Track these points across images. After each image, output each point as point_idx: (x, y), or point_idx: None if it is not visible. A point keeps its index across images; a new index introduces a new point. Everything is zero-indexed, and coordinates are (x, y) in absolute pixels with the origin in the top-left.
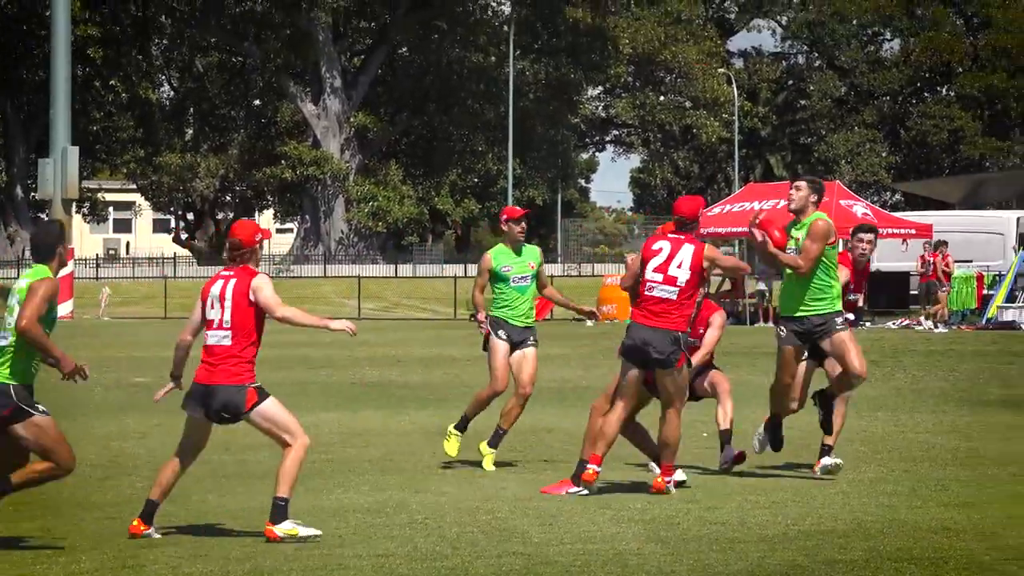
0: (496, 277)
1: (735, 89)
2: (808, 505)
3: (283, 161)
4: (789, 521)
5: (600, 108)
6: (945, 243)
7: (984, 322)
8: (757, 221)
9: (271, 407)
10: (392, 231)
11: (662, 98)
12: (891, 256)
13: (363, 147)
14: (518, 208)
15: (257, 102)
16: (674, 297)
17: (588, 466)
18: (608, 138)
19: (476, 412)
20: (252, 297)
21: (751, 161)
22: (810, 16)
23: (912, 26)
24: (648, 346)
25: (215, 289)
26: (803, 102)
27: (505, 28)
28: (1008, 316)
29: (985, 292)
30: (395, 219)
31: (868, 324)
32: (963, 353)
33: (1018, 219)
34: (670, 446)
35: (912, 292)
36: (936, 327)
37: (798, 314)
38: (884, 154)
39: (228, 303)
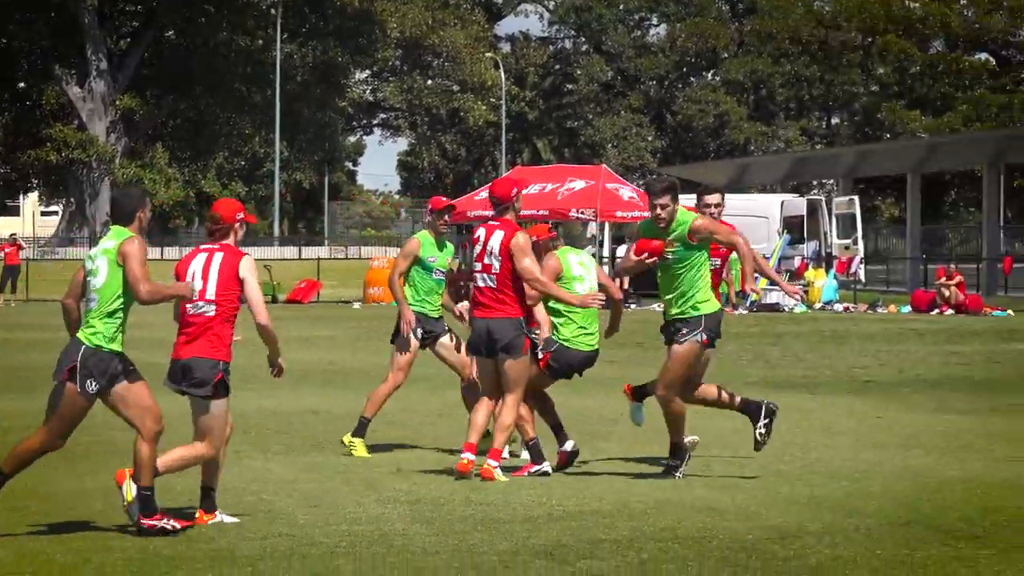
0: (421, 265)
1: (502, 73)
2: (573, 486)
3: (48, 144)
4: (554, 501)
5: (367, 92)
6: None
7: (748, 304)
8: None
9: (220, 406)
10: (158, 214)
11: (429, 82)
12: None
13: (129, 130)
14: (442, 199)
15: (22, 84)
16: (493, 284)
17: (462, 455)
18: (375, 121)
19: (376, 411)
20: (242, 275)
21: (518, 145)
22: (577, 1)
23: (678, 11)
24: (491, 335)
25: (195, 264)
26: (570, 86)
27: (272, 11)
28: (771, 299)
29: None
30: (161, 202)
31: (634, 306)
32: (726, 335)
33: (782, 203)
34: (503, 432)
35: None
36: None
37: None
38: (650, 138)
39: (213, 276)
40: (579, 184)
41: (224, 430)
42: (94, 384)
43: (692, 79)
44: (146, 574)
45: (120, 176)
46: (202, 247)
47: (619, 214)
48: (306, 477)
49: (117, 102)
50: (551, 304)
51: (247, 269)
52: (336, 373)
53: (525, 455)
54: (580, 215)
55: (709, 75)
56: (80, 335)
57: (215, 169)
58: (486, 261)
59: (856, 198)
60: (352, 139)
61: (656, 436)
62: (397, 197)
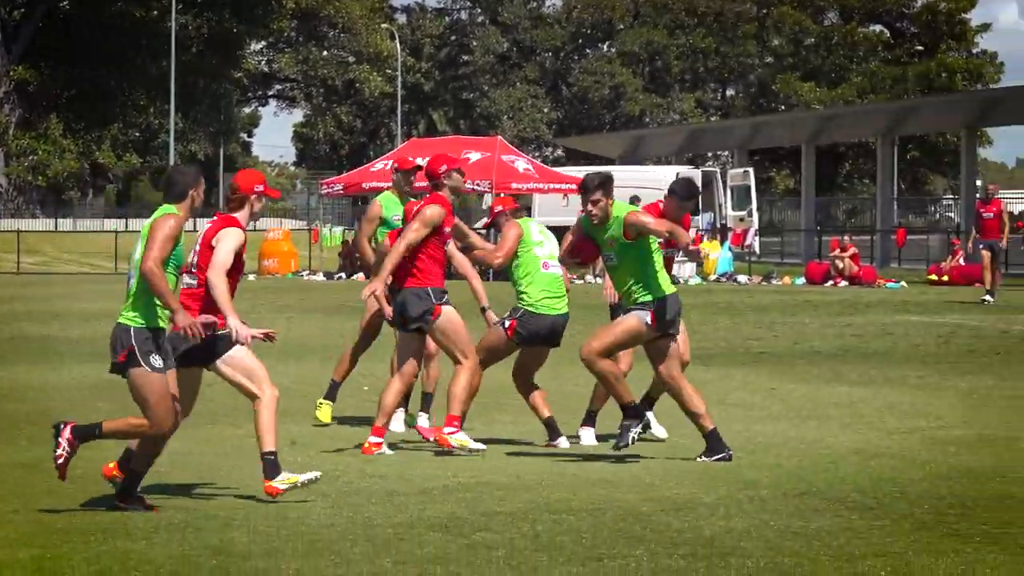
0: (387, 226)
1: (398, 44)
2: (468, 458)
3: None
4: (450, 473)
5: (263, 63)
6: None
7: None
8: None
9: (239, 354)
10: (52, 185)
11: (325, 53)
12: (553, 211)
13: (23, 100)
14: (409, 159)
15: None
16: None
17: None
18: (271, 93)
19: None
20: (214, 244)
21: (414, 116)
22: None
23: None
24: (403, 308)
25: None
26: (466, 58)
27: None
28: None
29: None
30: (55, 173)
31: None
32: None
33: (677, 174)
34: (455, 398)
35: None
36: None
37: None
38: (546, 110)
39: (197, 246)
40: (475, 156)
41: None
42: (158, 359)
43: (588, 50)
44: (40, 546)
45: (13, 147)
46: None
47: (515, 186)
48: (200, 450)
49: (11, 72)
50: (515, 273)
51: (225, 231)
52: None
53: (423, 420)
54: (476, 187)
55: (605, 46)
56: (121, 319)
57: (110, 140)
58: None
59: (751, 170)
60: (247, 110)
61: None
62: (293, 168)
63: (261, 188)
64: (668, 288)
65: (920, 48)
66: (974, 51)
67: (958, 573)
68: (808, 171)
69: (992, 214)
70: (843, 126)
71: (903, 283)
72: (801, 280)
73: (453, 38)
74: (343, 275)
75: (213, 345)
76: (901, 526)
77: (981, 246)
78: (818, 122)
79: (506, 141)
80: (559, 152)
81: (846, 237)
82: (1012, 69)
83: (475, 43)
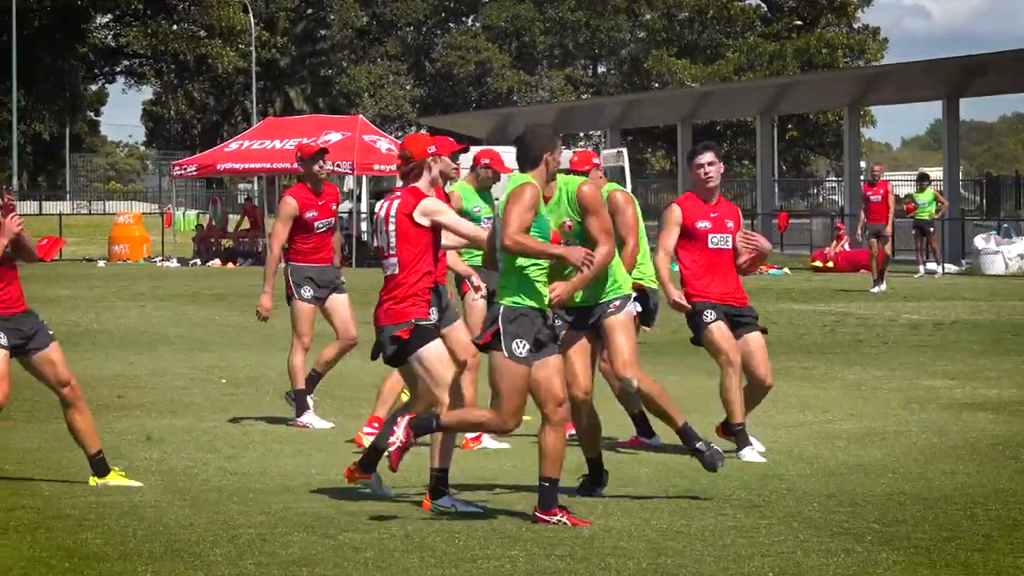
0: (468, 217)
1: (251, 17)
2: (333, 454)
3: None
4: (314, 470)
5: (110, 37)
6: None
7: None
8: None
9: (431, 350)
10: None
11: (175, 27)
12: None
13: None
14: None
15: None
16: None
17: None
18: (119, 69)
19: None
20: (421, 220)
21: (270, 94)
22: None
23: None
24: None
25: (381, 212)
26: (323, 32)
27: None
28: None
29: None
30: None
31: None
32: None
33: None
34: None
35: None
36: None
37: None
38: (409, 87)
39: (392, 227)
40: (335, 136)
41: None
42: (524, 345)
43: (451, 25)
44: None
45: None
46: (389, 194)
47: (377, 167)
48: (51, 446)
49: None
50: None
51: (429, 209)
52: (82, 335)
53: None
54: (336, 168)
55: (469, 20)
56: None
57: None
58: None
59: (624, 150)
60: (94, 87)
61: None
62: (143, 148)
63: (434, 149)
64: (629, 284)
65: (799, 23)
66: (855, 26)
67: (848, 574)
68: (684, 151)
69: (879, 196)
70: (720, 104)
71: (786, 269)
72: (678, 267)
73: (309, 11)
74: (198, 261)
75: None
76: (789, 525)
77: (868, 232)
78: (694, 100)
79: (367, 120)
80: (423, 131)
81: None
82: (896, 44)
83: (332, 17)
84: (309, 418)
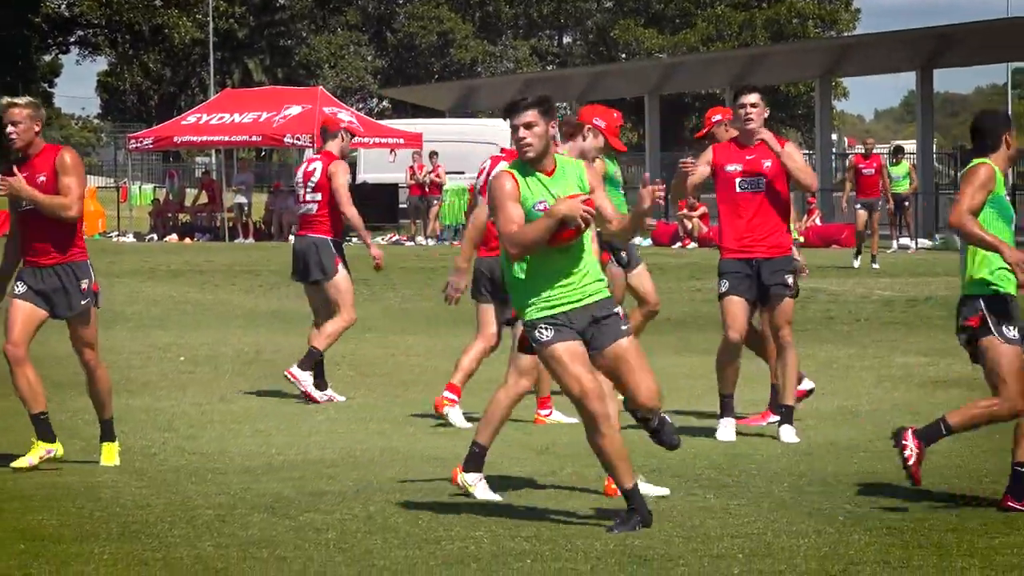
0: (611, 184)
1: None
2: (294, 434)
3: None
4: (274, 451)
5: (63, 6)
6: (436, 153)
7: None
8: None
9: None
10: None
11: None
12: (379, 167)
13: None
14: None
15: None
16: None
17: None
18: (72, 39)
19: None
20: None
21: (228, 65)
22: None
23: None
24: None
25: None
26: (282, 2)
27: None
28: None
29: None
30: None
31: (356, 240)
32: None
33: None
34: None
35: (402, 206)
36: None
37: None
38: (370, 58)
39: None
40: (295, 109)
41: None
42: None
43: None
44: None
45: None
46: None
47: None
48: None
49: None
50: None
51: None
52: None
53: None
54: (296, 141)
55: None
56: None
57: None
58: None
59: None
60: (47, 58)
61: (371, 380)
62: (98, 122)
63: (601, 123)
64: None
65: None
66: None
67: (820, 555)
68: (652, 124)
69: (873, 170)
70: (689, 76)
71: None
72: (647, 241)
73: None
74: (154, 236)
75: None
76: (759, 505)
77: (858, 206)
78: (662, 71)
79: (328, 92)
80: (385, 104)
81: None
82: (868, 14)
83: None
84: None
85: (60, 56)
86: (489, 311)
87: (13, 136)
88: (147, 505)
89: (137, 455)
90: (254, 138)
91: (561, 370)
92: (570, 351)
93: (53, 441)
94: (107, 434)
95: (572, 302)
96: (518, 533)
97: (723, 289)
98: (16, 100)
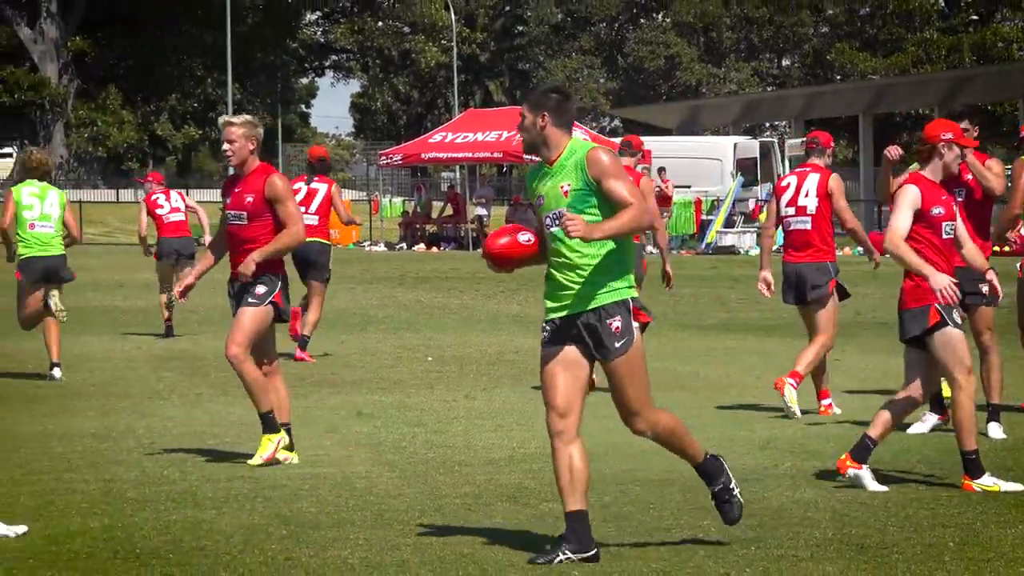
0: None
1: (452, 15)
2: (533, 429)
3: (1, 85)
4: (515, 444)
5: (319, 33)
6: (664, 169)
7: (703, 246)
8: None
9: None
10: (112, 156)
11: (380, 24)
12: None
13: (81, 71)
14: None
15: None
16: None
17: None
18: (327, 63)
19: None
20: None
21: (470, 87)
22: None
23: None
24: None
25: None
26: (520, 28)
27: None
28: (727, 241)
29: (704, 217)
30: (115, 144)
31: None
32: (683, 277)
33: (735, 145)
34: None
35: None
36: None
37: None
38: (602, 80)
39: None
40: None
41: None
42: None
43: (642, 20)
44: (110, 515)
45: (73, 118)
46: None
47: None
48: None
49: (68, 44)
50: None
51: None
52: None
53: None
54: (534, 158)
55: (659, 16)
56: None
57: (168, 111)
58: (799, 203)
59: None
60: (304, 81)
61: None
62: (350, 139)
63: (950, 136)
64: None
65: (975, 17)
66: None
67: None
68: (866, 141)
69: None
70: (900, 96)
71: None
72: (861, 251)
73: (507, 8)
74: (404, 246)
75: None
76: (968, 496)
77: None
78: (875, 92)
79: None
80: (616, 122)
81: None
82: None
83: (529, 13)
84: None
85: (316, 79)
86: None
87: (229, 153)
88: (399, 494)
89: (389, 448)
90: (495, 155)
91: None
92: (546, 358)
93: (277, 432)
94: (266, 427)
95: (560, 308)
96: (743, 522)
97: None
98: (233, 119)
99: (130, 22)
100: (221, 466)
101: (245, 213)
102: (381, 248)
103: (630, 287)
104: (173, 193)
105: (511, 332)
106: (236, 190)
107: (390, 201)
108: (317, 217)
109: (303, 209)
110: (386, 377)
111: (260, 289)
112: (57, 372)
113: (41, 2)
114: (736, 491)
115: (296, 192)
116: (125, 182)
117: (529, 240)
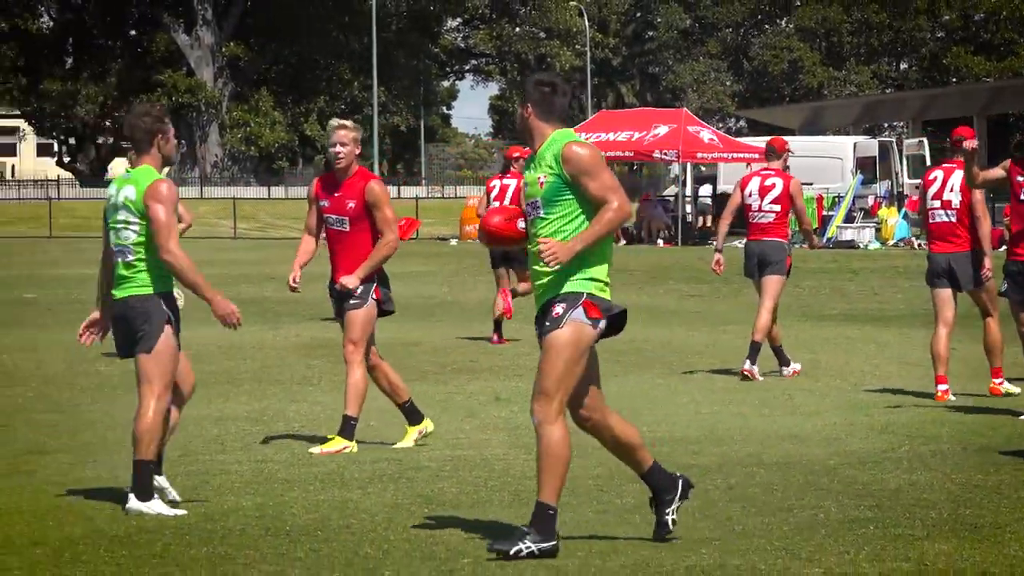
0: None
1: (586, 21)
2: (662, 414)
3: (159, 89)
4: (645, 428)
5: (459, 39)
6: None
7: (824, 241)
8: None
9: None
10: (264, 155)
11: (517, 29)
12: (737, 179)
13: (235, 75)
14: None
15: (133, 32)
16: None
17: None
18: (467, 67)
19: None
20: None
21: (603, 89)
22: None
23: None
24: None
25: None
26: (651, 33)
27: None
28: (847, 236)
29: (825, 213)
30: (267, 144)
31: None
32: (804, 270)
33: (855, 144)
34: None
35: None
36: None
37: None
38: (728, 83)
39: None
40: (663, 129)
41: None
42: None
43: (767, 26)
44: (262, 494)
45: (227, 119)
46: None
47: (700, 155)
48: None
49: (223, 49)
50: None
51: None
52: (436, 306)
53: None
54: (663, 156)
55: (783, 22)
56: None
57: (317, 113)
58: (945, 197)
59: (925, 140)
60: (445, 84)
61: (732, 367)
62: (489, 139)
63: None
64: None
65: None
66: None
67: None
68: (979, 142)
69: None
70: (1012, 97)
71: None
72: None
73: (638, 15)
74: None
75: None
76: None
77: None
78: (989, 94)
79: (691, 113)
80: (741, 123)
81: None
82: None
83: (659, 20)
84: None
85: (457, 82)
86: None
87: (341, 156)
88: (534, 476)
89: (525, 431)
90: (626, 153)
91: None
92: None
93: (422, 421)
94: (343, 430)
95: (540, 296)
96: (861, 503)
97: (1003, 289)
98: (345, 122)
99: (281, 29)
100: (366, 448)
101: (347, 219)
102: None
103: (592, 281)
104: None
105: (640, 322)
106: (337, 194)
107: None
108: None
109: (496, 204)
110: (522, 364)
111: (358, 291)
112: None
113: (198, 10)
114: (524, 547)
115: (491, 189)
116: (276, 179)
117: (523, 227)
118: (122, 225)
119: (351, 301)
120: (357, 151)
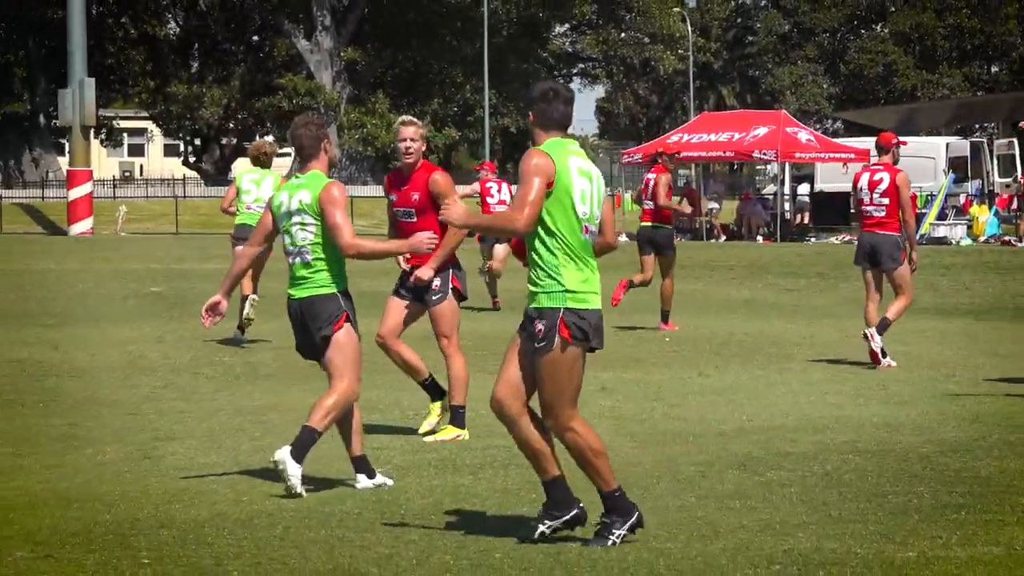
0: None
1: (689, 26)
2: (761, 403)
3: (280, 92)
4: (744, 417)
5: (567, 44)
6: None
7: (918, 237)
8: None
9: None
10: (380, 155)
11: (623, 34)
12: (833, 178)
13: (353, 79)
14: None
15: (255, 38)
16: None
17: None
18: (575, 71)
19: None
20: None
21: (705, 92)
22: None
23: None
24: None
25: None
26: (751, 38)
27: None
28: (939, 232)
29: (919, 211)
30: (383, 144)
31: (813, 240)
32: None
33: (947, 144)
34: None
35: (852, 211)
36: None
37: None
38: (825, 86)
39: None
40: (762, 130)
41: None
42: None
43: (862, 31)
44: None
45: (345, 121)
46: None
47: (798, 155)
48: None
49: (341, 54)
50: None
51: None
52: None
53: None
54: (762, 156)
55: (878, 27)
56: None
57: (430, 115)
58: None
59: (1015, 140)
60: None
61: (828, 358)
62: (595, 140)
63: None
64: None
65: None
66: None
67: None
68: None
69: None
70: None
71: None
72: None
73: (739, 20)
74: None
75: None
76: None
77: None
78: None
79: (789, 114)
80: (838, 124)
81: None
82: None
83: (759, 25)
84: None
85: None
86: None
87: (411, 151)
88: (639, 463)
89: (630, 420)
90: (727, 153)
91: None
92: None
93: (443, 397)
94: (454, 419)
95: (529, 300)
96: (953, 489)
97: None
98: (415, 120)
99: (397, 35)
100: (479, 436)
101: (413, 210)
102: (623, 239)
103: (567, 292)
104: (504, 186)
105: (742, 315)
106: (404, 188)
107: (631, 196)
108: (652, 203)
109: (643, 196)
110: (627, 356)
111: (436, 283)
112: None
113: (317, 17)
114: (616, 535)
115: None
116: None
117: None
118: (298, 227)
119: (433, 297)
120: (424, 147)
